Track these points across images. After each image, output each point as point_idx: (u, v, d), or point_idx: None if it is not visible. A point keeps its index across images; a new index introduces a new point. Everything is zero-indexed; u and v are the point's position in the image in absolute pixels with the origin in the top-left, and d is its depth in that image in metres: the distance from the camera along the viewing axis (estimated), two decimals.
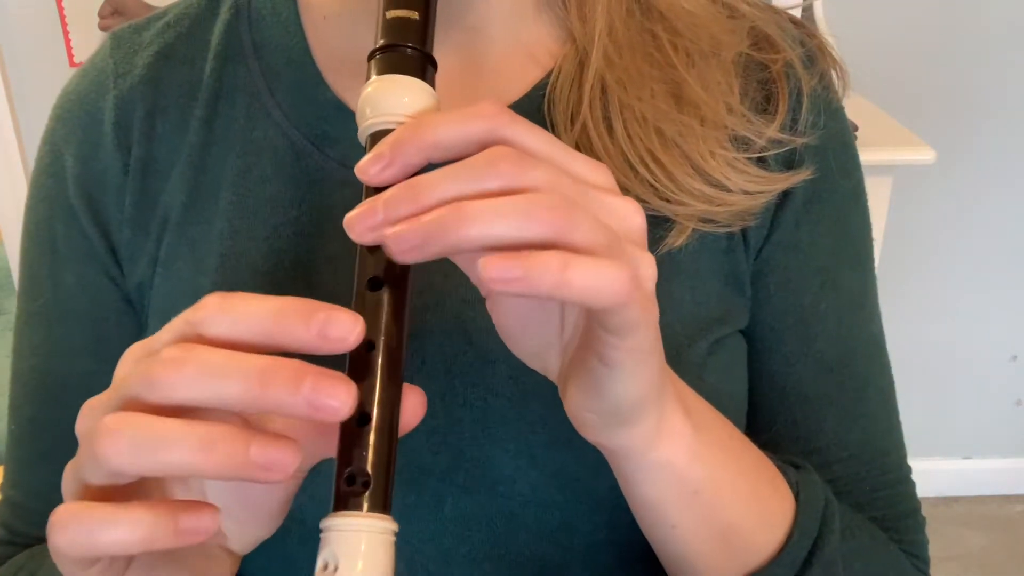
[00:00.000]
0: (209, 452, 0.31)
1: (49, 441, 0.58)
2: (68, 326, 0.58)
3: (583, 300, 0.33)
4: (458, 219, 0.32)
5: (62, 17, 1.87)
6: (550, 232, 0.32)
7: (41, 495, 0.59)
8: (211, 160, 0.55)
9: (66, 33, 1.88)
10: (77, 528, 0.33)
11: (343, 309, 0.33)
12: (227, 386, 0.32)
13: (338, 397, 0.31)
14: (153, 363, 0.32)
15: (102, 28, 1.85)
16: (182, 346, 0.33)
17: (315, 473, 0.39)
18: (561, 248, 0.33)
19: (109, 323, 0.57)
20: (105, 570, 0.35)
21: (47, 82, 1.88)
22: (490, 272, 0.32)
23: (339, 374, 0.32)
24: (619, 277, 0.33)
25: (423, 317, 0.51)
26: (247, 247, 0.54)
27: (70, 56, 1.90)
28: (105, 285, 0.57)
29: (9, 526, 0.60)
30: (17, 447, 0.60)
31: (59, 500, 0.36)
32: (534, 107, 0.54)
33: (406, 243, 0.33)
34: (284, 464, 0.32)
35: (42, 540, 0.59)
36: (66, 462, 0.36)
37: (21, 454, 0.60)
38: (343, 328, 0.32)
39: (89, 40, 1.88)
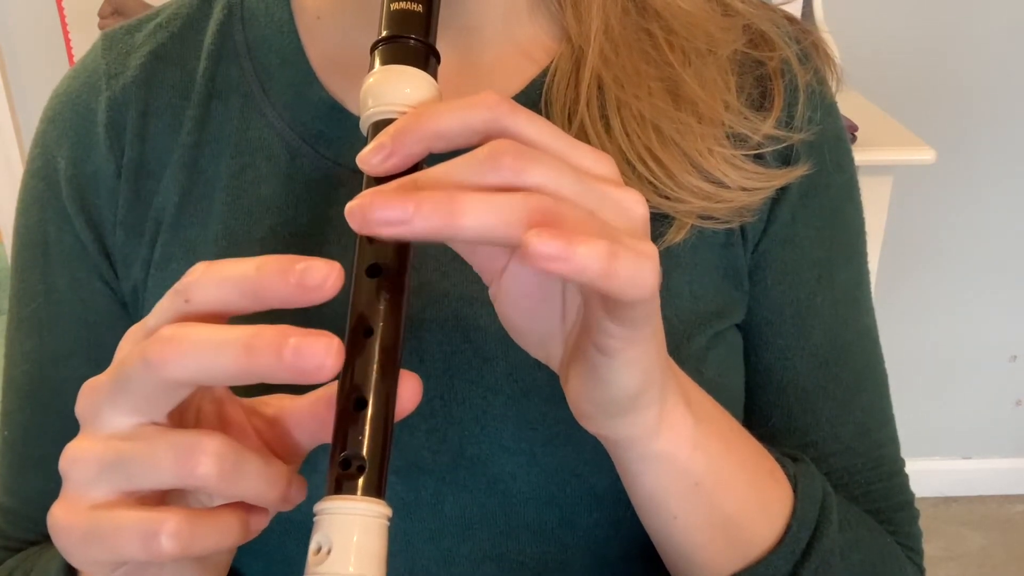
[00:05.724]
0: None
1: (42, 447, 0.58)
2: (61, 331, 0.57)
3: (619, 290, 0.33)
4: (450, 207, 0.32)
5: (62, 17, 1.87)
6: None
7: (34, 501, 0.58)
8: (204, 161, 0.55)
9: (66, 33, 1.88)
10: (205, 538, 0.34)
11: (320, 259, 0.32)
12: (218, 360, 0.32)
13: (318, 355, 0.31)
14: (149, 343, 0.32)
15: (102, 28, 1.85)
16: (175, 325, 0.33)
17: (315, 474, 0.39)
18: None
19: (102, 327, 0.57)
20: (130, 573, 0.36)
21: (47, 82, 1.87)
22: (537, 247, 0.31)
23: (323, 332, 0.32)
24: (653, 271, 0.33)
25: (421, 315, 0.51)
26: (243, 248, 0.53)
27: (70, 56, 1.90)
28: (98, 289, 0.57)
29: (2, 531, 0.60)
30: (10, 453, 0.60)
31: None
32: (531, 103, 0.54)
33: (389, 210, 0.32)
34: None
35: (35, 544, 0.59)
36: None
37: (14, 460, 0.60)
38: (319, 274, 0.32)
39: (89, 40, 1.85)
